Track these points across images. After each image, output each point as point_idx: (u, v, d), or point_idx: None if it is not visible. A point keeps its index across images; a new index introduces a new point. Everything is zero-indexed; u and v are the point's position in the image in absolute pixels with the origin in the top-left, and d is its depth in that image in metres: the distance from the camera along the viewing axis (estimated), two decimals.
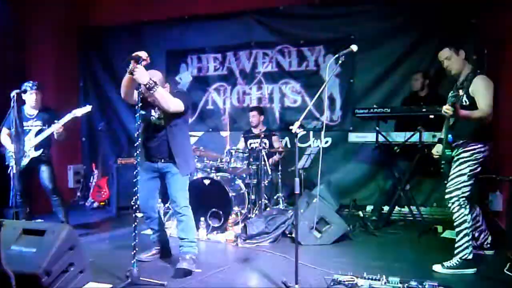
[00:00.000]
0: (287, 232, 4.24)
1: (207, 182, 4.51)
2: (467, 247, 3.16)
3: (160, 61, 6.40)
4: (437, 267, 3.22)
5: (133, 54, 2.91)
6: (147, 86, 2.93)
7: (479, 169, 3.19)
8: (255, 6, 6.03)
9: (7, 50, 5.56)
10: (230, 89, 6.32)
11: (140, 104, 2.91)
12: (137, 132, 2.94)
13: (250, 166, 4.93)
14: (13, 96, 3.60)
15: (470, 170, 3.16)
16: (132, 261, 2.86)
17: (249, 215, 4.78)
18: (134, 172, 2.94)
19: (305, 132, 5.75)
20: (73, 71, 6.86)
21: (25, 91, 4.16)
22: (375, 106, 4.71)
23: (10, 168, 4.05)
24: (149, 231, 3.67)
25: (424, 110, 4.33)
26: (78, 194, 6.63)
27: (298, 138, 2.74)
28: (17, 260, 2.51)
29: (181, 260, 3.24)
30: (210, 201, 4.44)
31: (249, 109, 5.74)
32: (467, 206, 3.17)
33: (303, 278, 2.89)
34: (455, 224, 3.22)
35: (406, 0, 5.40)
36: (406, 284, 2.76)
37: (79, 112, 4.21)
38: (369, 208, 5.50)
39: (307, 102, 5.86)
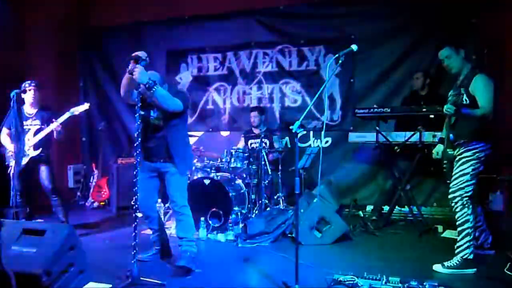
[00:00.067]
0: (287, 232, 4.24)
1: (207, 182, 4.51)
2: (468, 247, 3.16)
3: (160, 61, 6.42)
4: (437, 267, 3.22)
5: (133, 54, 2.92)
6: (147, 85, 2.93)
7: (481, 168, 3.19)
8: (255, 6, 6.02)
9: (7, 50, 5.55)
10: (230, 89, 6.31)
11: (140, 104, 2.91)
12: (137, 132, 2.94)
13: (250, 166, 4.93)
14: (13, 96, 3.60)
15: (473, 170, 3.16)
16: (132, 261, 2.86)
17: (249, 215, 4.78)
18: (134, 172, 2.94)
19: (305, 132, 5.75)
20: (73, 71, 6.87)
21: (24, 91, 4.17)
22: (375, 106, 4.71)
23: (10, 168, 4.05)
24: (149, 231, 3.67)
25: (424, 110, 4.33)
26: (78, 194, 6.62)
27: (298, 137, 2.74)
28: (17, 260, 2.51)
29: (180, 258, 3.24)
30: (210, 201, 4.44)
31: (250, 109, 5.73)
32: (470, 206, 3.17)
33: (303, 278, 2.88)
34: (457, 223, 3.22)
35: (406, 0, 5.39)
36: (407, 284, 2.76)
37: (77, 110, 4.21)
38: (369, 208, 5.49)
39: (307, 102, 5.85)
